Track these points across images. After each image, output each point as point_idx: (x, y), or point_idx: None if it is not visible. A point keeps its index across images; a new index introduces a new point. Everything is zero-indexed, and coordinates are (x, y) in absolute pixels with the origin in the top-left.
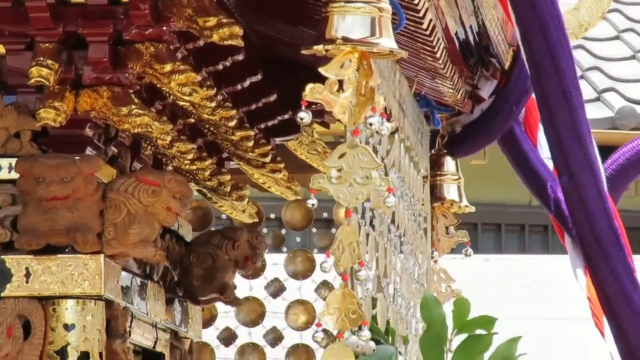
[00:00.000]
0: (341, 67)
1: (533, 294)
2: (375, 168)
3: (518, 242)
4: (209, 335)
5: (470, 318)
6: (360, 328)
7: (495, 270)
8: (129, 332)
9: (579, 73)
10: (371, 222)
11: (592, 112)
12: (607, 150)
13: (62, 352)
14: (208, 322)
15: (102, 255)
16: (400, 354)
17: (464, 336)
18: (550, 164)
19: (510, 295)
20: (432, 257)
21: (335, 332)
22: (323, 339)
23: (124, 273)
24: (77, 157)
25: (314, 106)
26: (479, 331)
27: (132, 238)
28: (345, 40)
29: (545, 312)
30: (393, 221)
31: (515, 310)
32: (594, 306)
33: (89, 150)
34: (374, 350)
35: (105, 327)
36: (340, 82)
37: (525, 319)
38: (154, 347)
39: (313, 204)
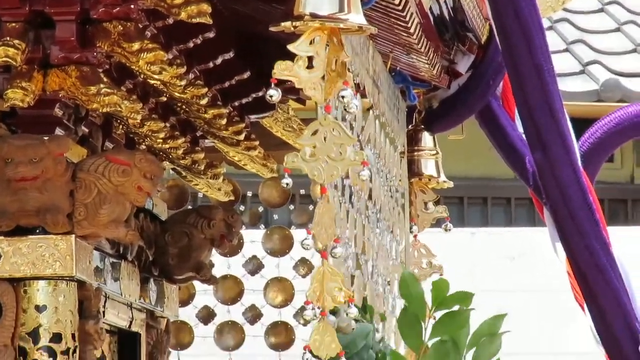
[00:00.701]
0: (311, 43)
1: (519, 266)
2: (349, 144)
3: (504, 215)
4: (188, 314)
5: (449, 294)
6: (347, 305)
7: (481, 243)
8: (103, 312)
9: (563, 46)
10: (350, 199)
11: (577, 85)
12: (592, 123)
13: (34, 334)
14: (186, 300)
15: (73, 235)
16: (377, 331)
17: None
18: None
19: (496, 268)
20: (412, 232)
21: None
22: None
23: (96, 253)
24: (46, 138)
25: (287, 83)
26: (457, 307)
27: (103, 218)
28: (313, 16)
29: (531, 284)
30: (370, 197)
31: (502, 284)
32: (572, 280)
33: (58, 131)
34: (353, 329)
35: (78, 308)
36: (310, 58)
37: (512, 292)
38: (130, 327)
39: (287, 183)
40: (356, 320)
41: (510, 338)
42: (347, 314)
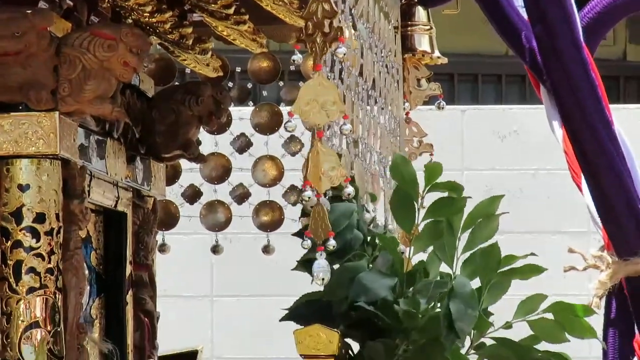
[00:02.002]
0: None
1: (509, 144)
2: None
3: (494, 92)
4: (174, 193)
5: (440, 181)
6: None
7: (471, 121)
8: (88, 192)
9: None
10: (340, 75)
11: None
12: None
13: (17, 214)
14: (172, 179)
15: (57, 112)
16: (368, 211)
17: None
18: (524, 13)
19: (486, 146)
20: (404, 109)
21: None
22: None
23: (80, 131)
24: (29, 11)
25: None
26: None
27: (88, 94)
28: None
29: (522, 163)
30: (361, 74)
31: (491, 162)
32: (570, 159)
33: (42, 4)
34: (327, 209)
35: (62, 188)
36: None
37: (501, 170)
38: (115, 206)
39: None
40: (341, 200)
41: (502, 218)
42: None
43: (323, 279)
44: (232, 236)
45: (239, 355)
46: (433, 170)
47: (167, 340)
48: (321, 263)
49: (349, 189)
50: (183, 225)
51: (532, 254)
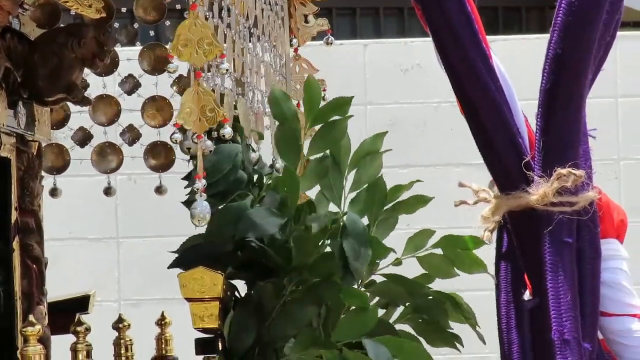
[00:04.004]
0: None
1: (412, 78)
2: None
3: (397, 26)
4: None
5: (324, 104)
6: (220, 125)
7: (373, 55)
8: None
9: None
10: (220, 14)
11: None
12: None
13: None
14: (61, 122)
15: None
16: (254, 151)
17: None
18: None
19: (389, 80)
20: (292, 46)
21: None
22: (181, 141)
23: None
24: None
25: None
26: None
27: None
28: None
29: (425, 96)
30: (242, 12)
31: (394, 96)
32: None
33: None
34: (210, 151)
35: None
36: None
37: (404, 104)
38: None
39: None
40: (225, 141)
41: (401, 147)
42: (222, 135)
43: (199, 221)
44: (137, 176)
45: (145, 297)
46: (312, 87)
47: (73, 284)
48: (199, 204)
49: (227, 130)
50: (75, 168)
51: (418, 180)
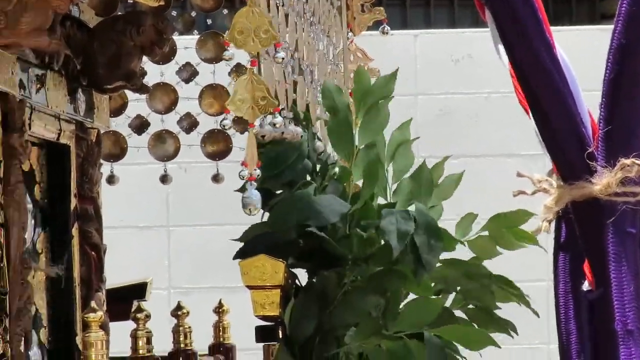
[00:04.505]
0: None
1: (462, 69)
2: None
3: (447, 17)
4: (121, 124)
5: (370, 86)
6: (272, 114)
7: (424, 46)
8: (29, 125)
9: None
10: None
11: None
12: None
13: None
14: (119, 110)
15: None
16: (319, 139)
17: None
18: None
19: (439, 71)
20: (348, 38)
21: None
22: (231, 127)
23: (19, 64)
24: None
25: None
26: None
27: (25, 27)
28: None
29: (476, 87)
30: (306, 1)
31: (445, 86)
32: (516, 83)
33: None
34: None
35: (2, 122)
36: None
37: (454, 95)
38: (58, 139)
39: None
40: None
41: (452, 138)
42: (272, 124)
43: (250, 210)
44: (187, 165)
45: (195, 285)
46: (360, 76)
47: (124, 272)
48: (250, 193)
49: (278, 119)
50: (132, 156)
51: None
